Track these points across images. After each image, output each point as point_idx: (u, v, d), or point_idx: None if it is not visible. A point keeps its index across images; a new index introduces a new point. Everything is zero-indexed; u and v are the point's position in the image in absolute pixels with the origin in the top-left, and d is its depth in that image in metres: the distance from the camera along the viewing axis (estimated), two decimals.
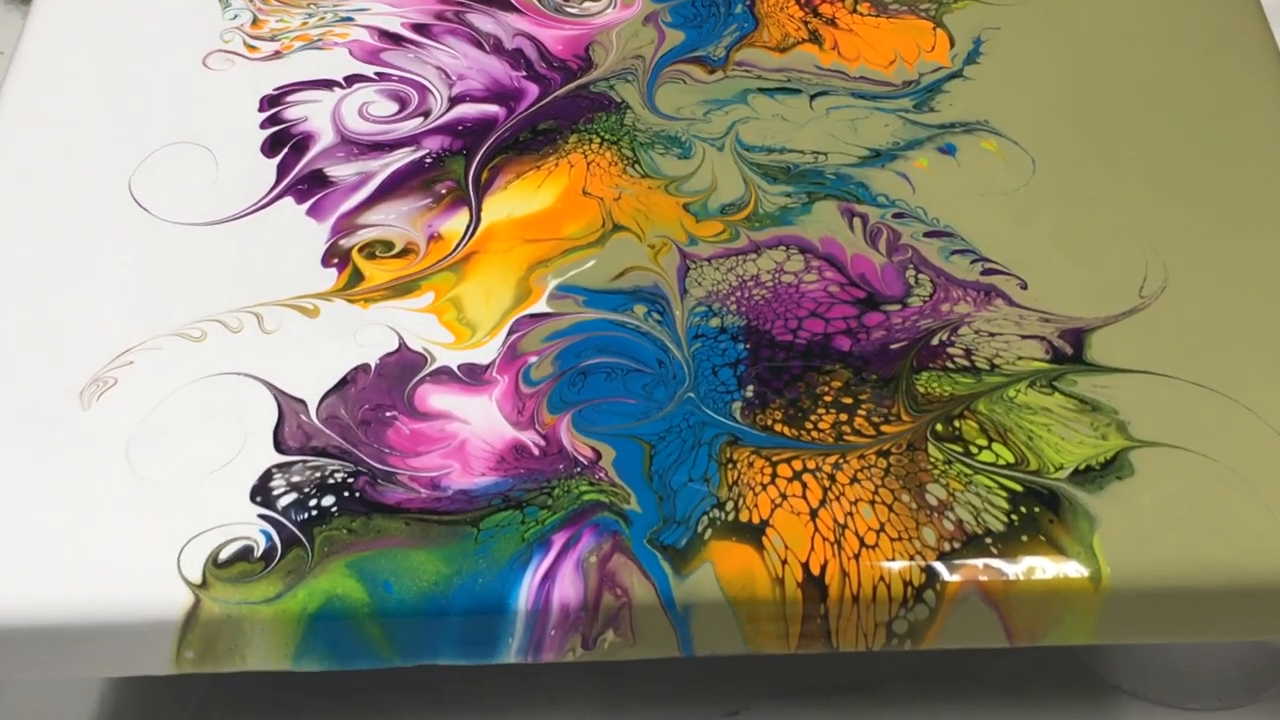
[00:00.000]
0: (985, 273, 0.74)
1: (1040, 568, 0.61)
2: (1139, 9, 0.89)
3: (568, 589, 0.61)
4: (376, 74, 0.86)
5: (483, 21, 0.89)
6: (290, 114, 0.84)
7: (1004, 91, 0.83)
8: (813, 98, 0.83)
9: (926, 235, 0.75)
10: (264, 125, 0.83)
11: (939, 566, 0.61)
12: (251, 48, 0.88)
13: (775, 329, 0.71)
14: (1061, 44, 0.86)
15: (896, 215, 0.77)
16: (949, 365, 0.69)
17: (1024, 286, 0.73)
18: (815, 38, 0.87)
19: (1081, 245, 0.75)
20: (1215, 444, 0.65)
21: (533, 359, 0.70)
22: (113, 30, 0.89)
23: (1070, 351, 0.70)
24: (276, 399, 0.69)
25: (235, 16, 0.90)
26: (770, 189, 0.78)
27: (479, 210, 0.78)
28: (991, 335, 0.71)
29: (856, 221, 0.77)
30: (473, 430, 0.67)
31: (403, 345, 0.71)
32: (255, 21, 0.89)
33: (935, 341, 0.70)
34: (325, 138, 0.82)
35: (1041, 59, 0.85)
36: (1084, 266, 0.74)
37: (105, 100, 0.84)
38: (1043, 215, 0.76)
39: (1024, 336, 0.70)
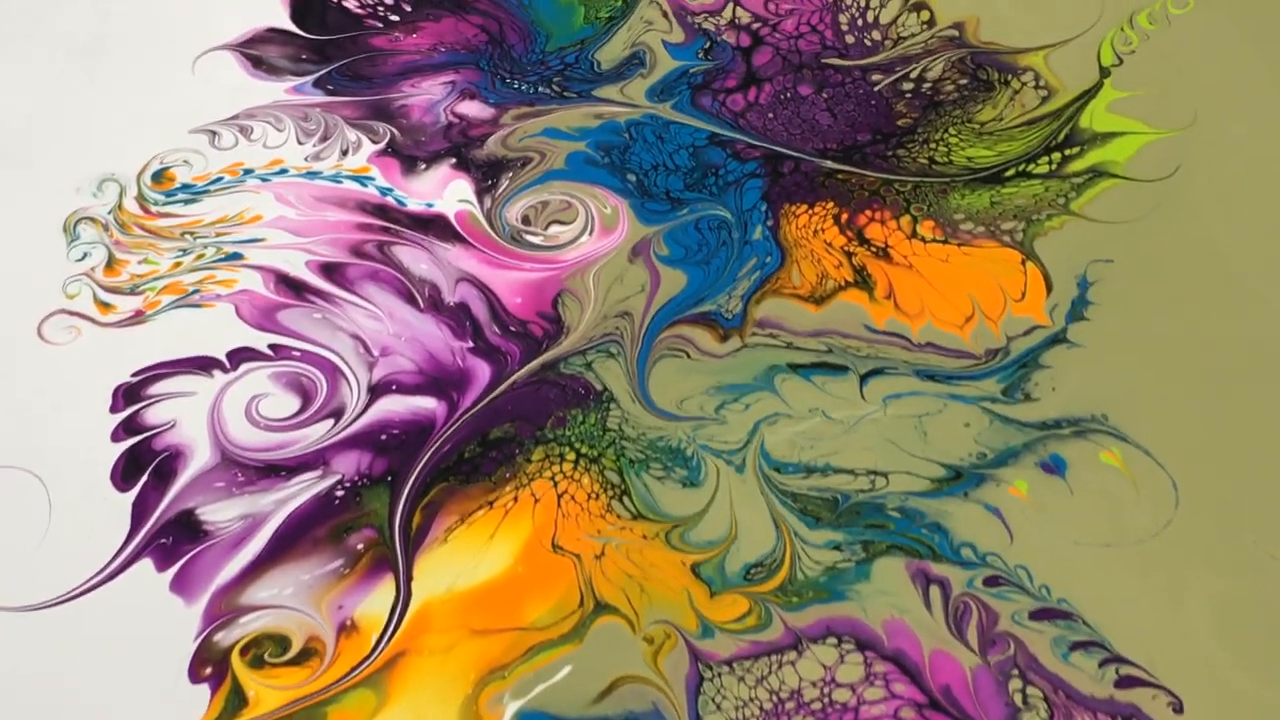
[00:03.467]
0: (1122, 683, 0.52)
1: None
2: None
3: None
4: (271, 348, 0.63)
5: (415, 259, 0.66)
6: (154, 416, 0.61)
7: (1126, 363, 0.61)
8: (864, 379, 0.61)
9: (1033, 616, 0.53)
10: (117, 435, 0.61)
11: None
12: (104, 306, 0.65)
13: None
14: (1205, 281, 0.63)
15: (989, 581, 0.54)
16: None
17: (1178, 708, 0.51)
18: (863, 280, 0.64)
19: (1260, 635, 0.53)
20: None
21: None
22: None
23: None
24: None
25: (84, 256, 0.67)
26: (811, 537, 0.56)
27: (409, 578, 0.56)
28: None
29: (934, 592, 0.54)
30: None
31: None
32: (111, 264, 0.66)
33: None
34: (200, 455, 0.60)
35: (1177, 308, 0.62)
36: (1266, 674, 0.52)
37: None
38: (1198, 582, 0.54)
39: None
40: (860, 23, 0.74)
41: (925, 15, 0.74)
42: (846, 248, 0.65)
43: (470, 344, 0.63)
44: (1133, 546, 0.55)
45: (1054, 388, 0.60)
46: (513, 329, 0.64)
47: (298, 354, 0.63)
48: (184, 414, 0.62)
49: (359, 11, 0.76)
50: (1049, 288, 0.63)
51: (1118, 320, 0.62)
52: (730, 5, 0.75)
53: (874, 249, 0.65)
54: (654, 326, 0.63)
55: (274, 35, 0.76)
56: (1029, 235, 0.65)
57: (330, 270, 0.66)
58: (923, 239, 0.65)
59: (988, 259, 0.65)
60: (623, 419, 0.60)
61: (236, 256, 0.67)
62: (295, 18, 0.76)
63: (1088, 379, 0.60)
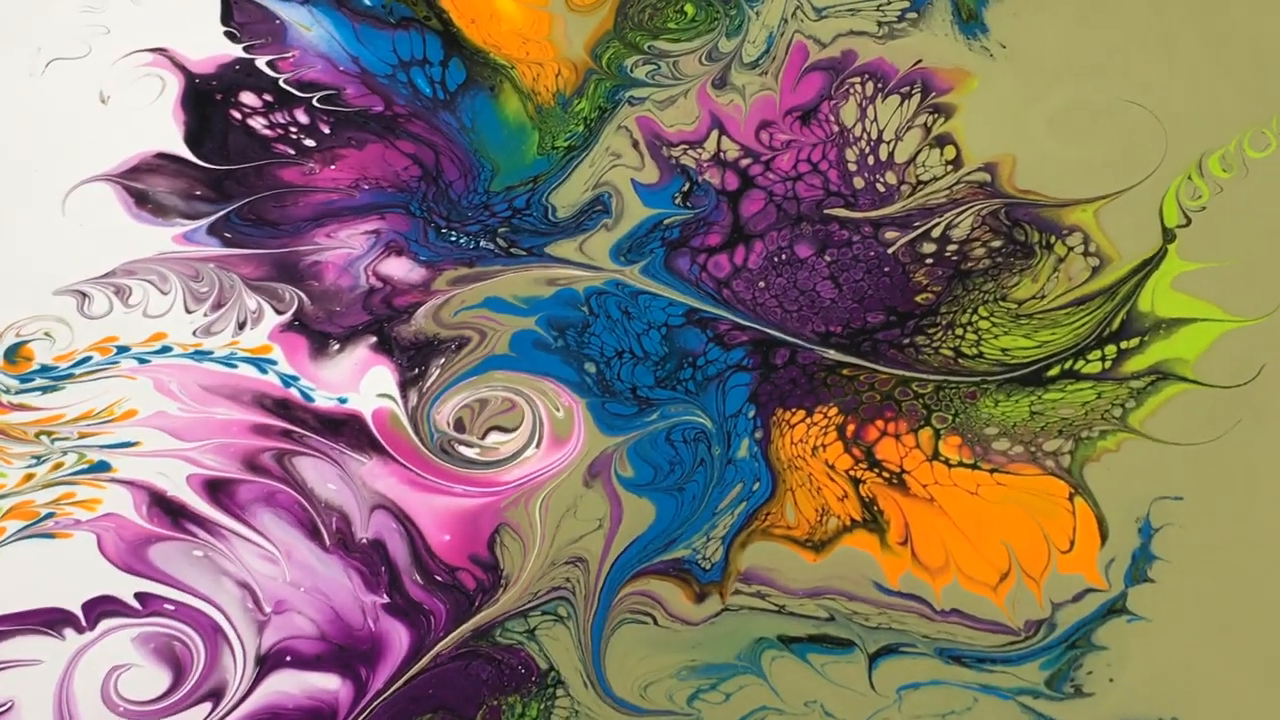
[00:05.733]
0: None
1: None
2: None
3: None
4: (137, 597, 0.50)
5: (322, 477, 0.54)
6: None
7: (1202, 644, 0.48)
8: (873, 660, 0.48)
9: None
10: None
11: None
12: None
13: None
14: None
15: None
16: None
17: None
18: (874, 519, 0.51)
19: None
20: None
21: None
22: None
23: None
24: None
25: None
26: None
27: None
28: None
29: None
30: None
31: None
32: None
33: None
34: None
35: (1268, 564, 0.50)
36: None
37: None
38: None
39: None
40: (871, 160, 0.61)
41: (950, 152, 0.61)
42: (853, 472, 0.53)
43: (385, 598, 0.51)
44: None
45: (1111, 678, 0.48)
46: (438, 578, 0.51)
47: (171, 607, 0.51)
48: (25, 691, 0.50)
49: (267, 133, 0.63)
50: (1104, 535, 0.51)
51: (1191, 582, 0.50)
52: (714, 134, 0.62)
53: (887, 474, 0.53)
54: (613, 579, 0.51)
55: (163, 163, 0.62)
56: (1078, 459, 0.53)
57: (216, 490, 0.53)
58: (947, 462, 0.53)
59: (1027, 491, 0.52)
60: (572, 712, 0.48)
61: (103, 467, 0.54)
62: (190, 141, 0.62)
63: (1154, 665, 0.48)
